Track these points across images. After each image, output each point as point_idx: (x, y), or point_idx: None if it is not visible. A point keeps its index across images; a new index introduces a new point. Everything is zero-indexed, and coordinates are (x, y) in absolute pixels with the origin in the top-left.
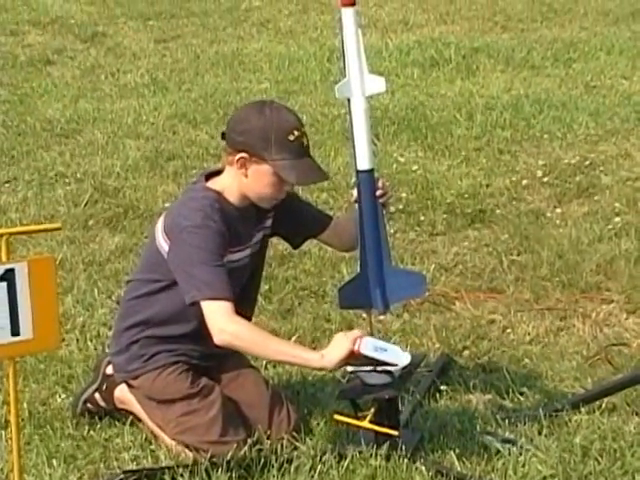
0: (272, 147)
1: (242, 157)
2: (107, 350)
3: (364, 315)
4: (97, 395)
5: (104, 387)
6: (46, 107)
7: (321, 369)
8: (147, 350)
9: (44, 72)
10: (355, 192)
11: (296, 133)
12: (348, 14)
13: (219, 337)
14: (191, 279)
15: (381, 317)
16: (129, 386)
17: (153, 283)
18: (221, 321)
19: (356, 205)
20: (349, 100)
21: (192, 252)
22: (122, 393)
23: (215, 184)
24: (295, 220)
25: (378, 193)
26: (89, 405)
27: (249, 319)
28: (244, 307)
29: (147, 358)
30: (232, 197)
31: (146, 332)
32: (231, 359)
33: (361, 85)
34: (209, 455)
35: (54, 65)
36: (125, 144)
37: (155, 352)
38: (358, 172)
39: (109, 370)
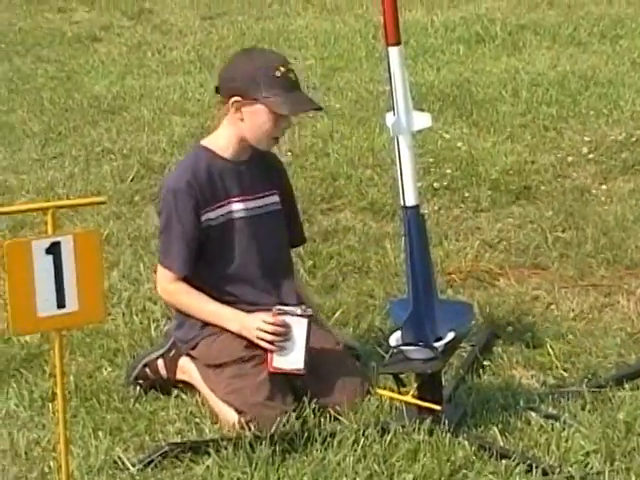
0: (261, 86)
1: (236, 100)
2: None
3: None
4: (160, 362)
5: (171, 353)
6: (93, 84)
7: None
8: None
9: (91, 49)
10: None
11: (282, 69)
12: (394, 53)
13: (161, 295)
14: (161, 244)
15: None
16: (191, 357)
17: None
18: (163, 283)
19: (404, 240)
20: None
21: (167, 218)
22: (185, 362)
23: (208, 142)
24: (287, 211)
25: None
26: (147, 370)
27: (289, 275)
28: (279, 262)
29: (203, 325)
30: (227, 151)
31: None
32: None
33: (407, 122)
34: (253, 418)
35: (101, 42)
36: (171, 120)
37: None
38: (406, 208)
39: None
